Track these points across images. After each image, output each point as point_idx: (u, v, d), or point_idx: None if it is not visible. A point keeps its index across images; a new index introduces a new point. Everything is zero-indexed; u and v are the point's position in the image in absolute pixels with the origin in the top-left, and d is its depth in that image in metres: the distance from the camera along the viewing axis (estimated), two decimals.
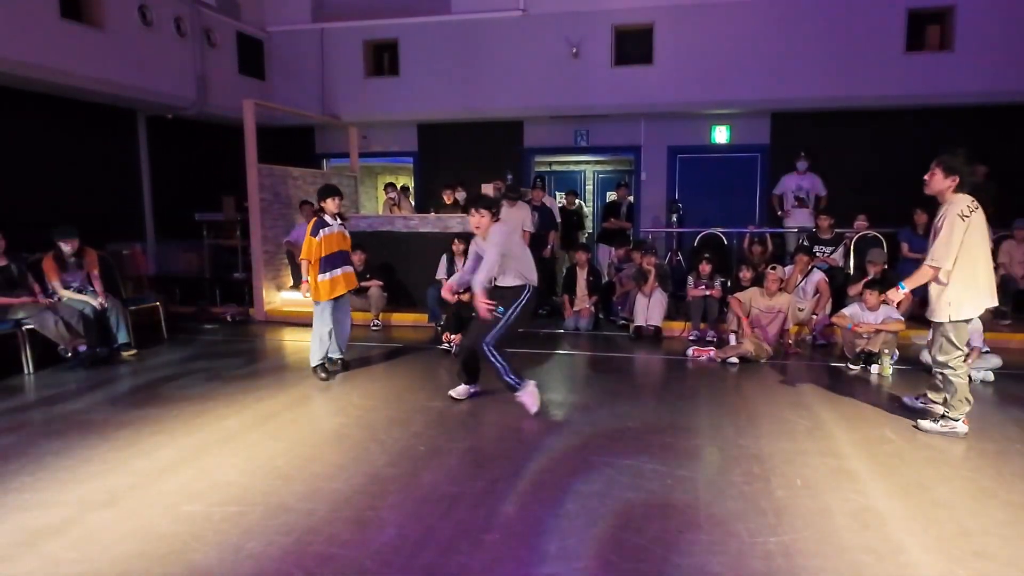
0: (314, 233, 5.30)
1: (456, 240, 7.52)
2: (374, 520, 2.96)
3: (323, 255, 5.32)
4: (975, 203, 3.95)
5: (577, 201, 10.13)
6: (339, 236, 5.47)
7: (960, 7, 8.79)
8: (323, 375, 5.40)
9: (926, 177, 4.06)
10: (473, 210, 4.48)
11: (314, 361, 5.44)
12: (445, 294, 4.92)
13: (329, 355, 5.55)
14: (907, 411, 4.51)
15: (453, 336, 6.30)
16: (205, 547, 2.73)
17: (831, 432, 4.10)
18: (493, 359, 4.43)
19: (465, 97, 10.22)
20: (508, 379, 4.45)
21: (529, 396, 4.45)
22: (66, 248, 5.99)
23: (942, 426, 4.09)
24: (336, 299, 5.45)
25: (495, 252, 4.35)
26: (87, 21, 7.62)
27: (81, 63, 7.44)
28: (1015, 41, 8.63)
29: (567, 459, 3.67)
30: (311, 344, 5.47)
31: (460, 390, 4.82)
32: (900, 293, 4.15)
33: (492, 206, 4.52)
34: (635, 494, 3.21)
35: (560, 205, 9.60)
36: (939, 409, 4.24)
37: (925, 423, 4.16)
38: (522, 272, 4.51)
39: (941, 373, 4.12)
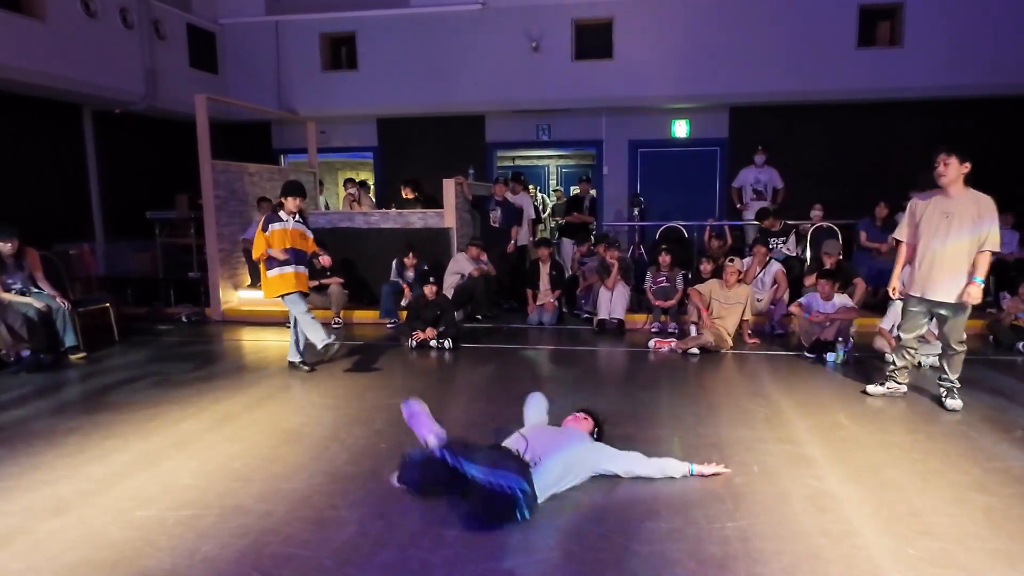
0: (264, 228, 5.26)
1: (410, 254, 7.45)
2: (334, 519, 2.92)
3: (275, 248, 5.25)
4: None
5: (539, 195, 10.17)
6: (297, 233, 5.39)
7: (909, 4, 9.05)
8: (307, 368, 5.47)
9: (940, 168, 4.08)
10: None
11: (295, 356, 5.48)
12: None
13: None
14: (860, 397, 4.64)
15: (425, 332, 6.24)
16: (158, 552, 2.65)
17: (788, 419, 4.19)
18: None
19: (425, 91, 10.14)
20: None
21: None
22: (4, 248, 5.75)
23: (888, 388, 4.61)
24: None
25: None
26: (26, 11, 7.32)
27: (20, 55, 7.16)
28: (961, 37, 8.93)
29: None
30: (308, 335, 5.35)
31: None
32: (979, 287, 4.09)
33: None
34: (596, 484, 3.23)
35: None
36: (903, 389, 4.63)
37: (871, 387, 4.66)
38: None
39: (956, 352, 4.32)
